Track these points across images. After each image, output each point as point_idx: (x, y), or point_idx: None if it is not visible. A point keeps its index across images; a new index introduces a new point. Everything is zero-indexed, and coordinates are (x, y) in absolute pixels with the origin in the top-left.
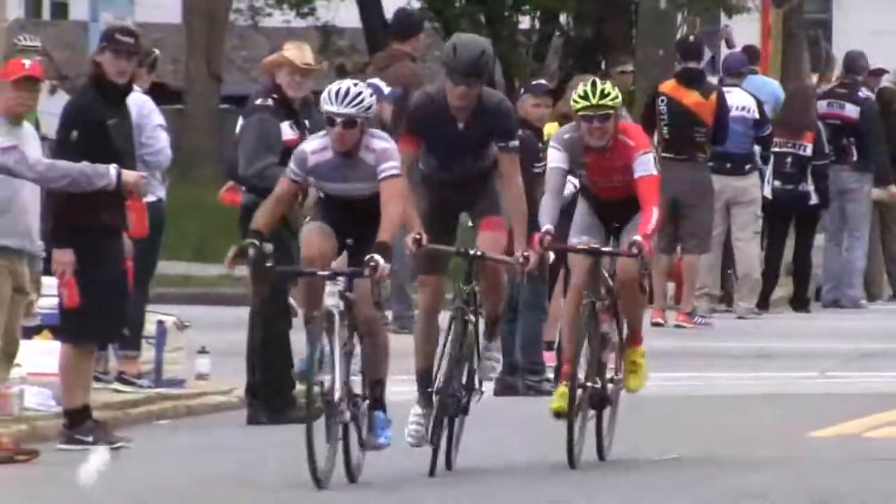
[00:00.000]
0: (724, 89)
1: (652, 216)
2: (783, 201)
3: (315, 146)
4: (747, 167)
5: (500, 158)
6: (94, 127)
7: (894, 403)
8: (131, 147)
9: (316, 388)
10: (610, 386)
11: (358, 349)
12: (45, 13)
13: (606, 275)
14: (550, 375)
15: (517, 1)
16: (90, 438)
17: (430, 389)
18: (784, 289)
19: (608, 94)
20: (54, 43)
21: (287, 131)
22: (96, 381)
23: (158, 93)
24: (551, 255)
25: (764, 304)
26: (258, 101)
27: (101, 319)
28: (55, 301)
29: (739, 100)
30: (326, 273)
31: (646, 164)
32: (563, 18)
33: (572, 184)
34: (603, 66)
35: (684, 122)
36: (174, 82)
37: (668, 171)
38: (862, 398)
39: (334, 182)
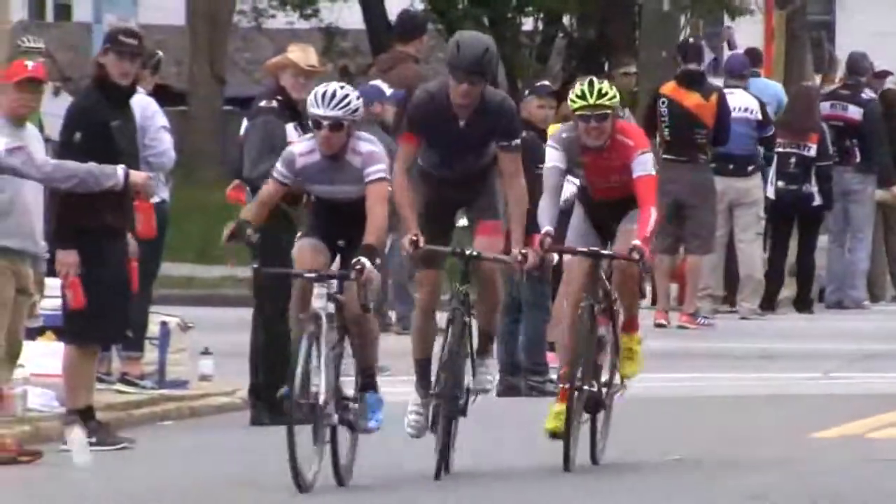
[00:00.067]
0: (727, 90)
1: (650, 217)
2: (787, 202)
3: (303, 148)
4: (750, 168)
5: (502, 158)
6: (98, 129)
7: None
8: (135, 149)
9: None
10: (604, 390)
11: (349, 348)
12: (49, 15)
13: (604, 277)
14: (553, 376)
15: (520, 2)
16: (93, 439)
17: (431, 392)
18: (787, 290)
19: (605, 93)
20: (58, 44)
21: (292, 133)
22: (99, 382)
23: (162, 94)
24: (555, 257)
25: (769, 305)
26: (263, 104)
27: (105, 320)
28: (58, 302)
29: (742, 101)
30: (314, 275)
31: (644, 164)
32: (566, 20)
33: (573, 184)
34: (606, 68)
35: (685, 124)
36: (178, 84)
37: (669, 172)
38: (865, 399)
39: (321, 184)
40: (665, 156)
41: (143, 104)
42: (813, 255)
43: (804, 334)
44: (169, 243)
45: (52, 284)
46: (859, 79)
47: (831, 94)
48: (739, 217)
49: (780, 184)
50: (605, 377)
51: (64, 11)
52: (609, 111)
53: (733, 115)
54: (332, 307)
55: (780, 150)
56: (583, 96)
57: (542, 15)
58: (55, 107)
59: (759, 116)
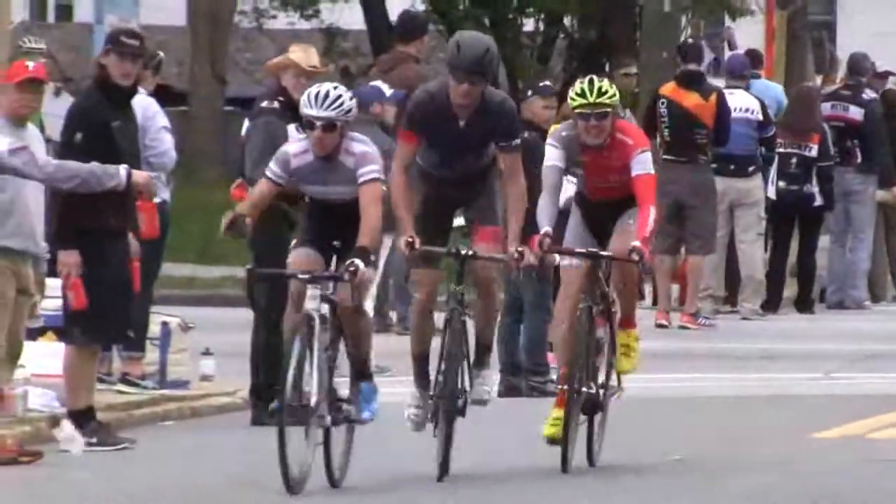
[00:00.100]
0: (727, 91)
1: (649, 217)
2: (788, 202)
3: (297, 149)
4: (751, 169)
5: (502, 158)
6: (99, 129)
7: None
8: (136, 149)
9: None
10: (601, 392)
11: (343, 350)
12: (50, 15)
13: (603, 278)
14: (554, 376)
15: (521, 3)
16: (94, 440)
17: (431, 394)
18: (788, 290)
19: (605, 91)
20: (59, 45)
21: (293, 134)
22: (100, 382)
23: (163, 95)
24: (556, 257)
25: (772, 306)
26: (264, 104)
27: (106, 321)
28: (59, 302)
29: (742, 101)
30: (307, 277)
31: (643, 163)
32: (567, 21)
33: (572, 183)
34: (607, 69)
35: (684, 125)
36: (179, 84)
37: (669, 173)
38: (866, 399)
39: (314, 185)
40: (665, 156)
41: (144, 104)
42: (814, 255)
43: (805, 335)
44: (170, 244)
45: (53, 285)
46: (860, 79)
47: (832, 95)
48: (740, 217)
49: (782, 184)
50: (601, 378)
51: (65, 12)
52: (609, 109)
53: (734, 115)
54: (325, 308)
55: (781, 150)
56: (583, 94)
57: (543, 16)
58: (56, 107)
59: (760, 117)
